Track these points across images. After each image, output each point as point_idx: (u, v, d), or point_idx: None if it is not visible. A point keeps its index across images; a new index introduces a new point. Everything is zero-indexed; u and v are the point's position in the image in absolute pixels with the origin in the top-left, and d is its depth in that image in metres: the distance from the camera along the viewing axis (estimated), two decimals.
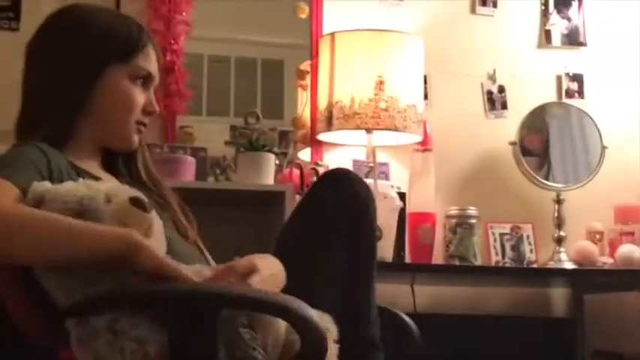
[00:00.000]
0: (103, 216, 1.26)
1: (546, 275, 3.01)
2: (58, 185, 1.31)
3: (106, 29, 1.56)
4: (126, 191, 1.31)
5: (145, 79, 1.60)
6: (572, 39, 3.34)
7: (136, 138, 1.61)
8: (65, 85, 1.52)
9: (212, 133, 3.05)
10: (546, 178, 3.10)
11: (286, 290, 1.36)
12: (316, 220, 1.59)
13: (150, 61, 1.61)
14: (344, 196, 1.59)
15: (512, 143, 3.10)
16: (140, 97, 1.59)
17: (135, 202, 1.28)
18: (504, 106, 3.25)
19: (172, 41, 2.96)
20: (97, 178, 1.48)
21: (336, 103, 2.83)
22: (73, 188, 1.29)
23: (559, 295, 3.24)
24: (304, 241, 1.58)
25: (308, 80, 3.05)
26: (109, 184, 1.37)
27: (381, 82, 2.79)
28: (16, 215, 1.22)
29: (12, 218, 1.21)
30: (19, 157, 1.38)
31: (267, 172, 2.74)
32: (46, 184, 1.31)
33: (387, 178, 2.98)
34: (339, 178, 1.63)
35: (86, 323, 1.21)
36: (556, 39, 3.33)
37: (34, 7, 2.77)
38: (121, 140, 1.60)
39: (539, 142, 3.15)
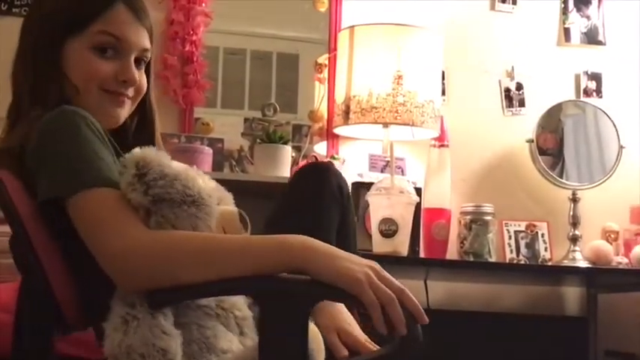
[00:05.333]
0: (213, 215, 1.26)
1: (561, 274, 3.00)
2: (161, 164, 1.26)
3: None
4: (228, 199, 1.33)
5: (114, 46, 1.43)
6: (592, 38, 3.33)
7: (118, 112, 1.45)
8: (24, 66, 1.43)
9: (226, 125, 3.05)
10: (560, 177, 3.10)
11: None
12: (314, 210, 1.59)
13: (115, 23, 1.42)
14: (333, 187, 1.62)
15: (529, 141, 3.09)
16: (104, 66, 1.41)
17: (242, 217, 1.31)
18: (522, 104, 3.24)
19: (191, 32, 2.96)
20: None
21: (354, 96, 2.83)
22: (189, 176, 1.26)
23: (573, 294, 3.23)
24: (303, 230, 1.56)
25: (326, 73, 3.05)
26: (211, 183, 1.36)
27: (400, 77, 2.78)
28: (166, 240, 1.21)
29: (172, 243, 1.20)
30: (89, 142, 1.29)
31: (283, 164, 2.75)
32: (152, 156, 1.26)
33: (402, 173, 2.97)
34: (324, 170, 1.64)
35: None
36: (575, 37, 3.32)
37: None
38: (100, 117, 1.39)
39: (553, 141, 3.14)
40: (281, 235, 1.21)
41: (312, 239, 1.20)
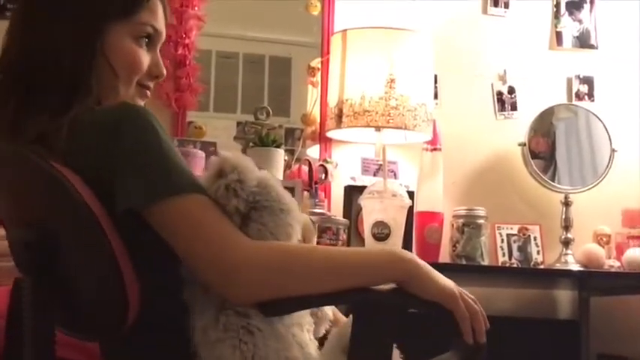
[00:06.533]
0: (300, 223, 1.27)
1: (553, 277, 3.01)
2: (254, 170, 1.25)
3: None
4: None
5: (151, 38, 1.39)
6: (583, 41, 3.34)
7: (140, 104, 1.41)
8: (59, 50, 1.31)
9: (219, 129, 3.05)
10: (552, 181, 3.11)
11: None
12: None
13: (156, 17, 1.40)
14: None
15: (522, 144, 3.10)
16: (145, 58, 1.38)
17: (313, 224, 1.31)
18: (514, 108, 3.25)
19: (184, 35, 2.96)
20: None
21: (347, 100, 2.83)
22: (274, 183, 1.25)
23: (565, 297, 3.24)
24: None
25: (318, 77, 3.06)
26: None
27: (392, 81, 2.79)
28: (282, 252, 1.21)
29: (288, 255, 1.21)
30: (170, 144, 1.23)
31: (276, 168, 2.75)
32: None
33: (395, 176, 2.98)
34: None
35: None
36: (567, 41, 3.32)
37: None
38: None
39: (545, 144, 3.15)
40: (389, 248, 1.26)
41: (413, 254, 1.27)
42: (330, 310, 1.40)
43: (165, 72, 1.43)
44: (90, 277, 1.24)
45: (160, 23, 1.41)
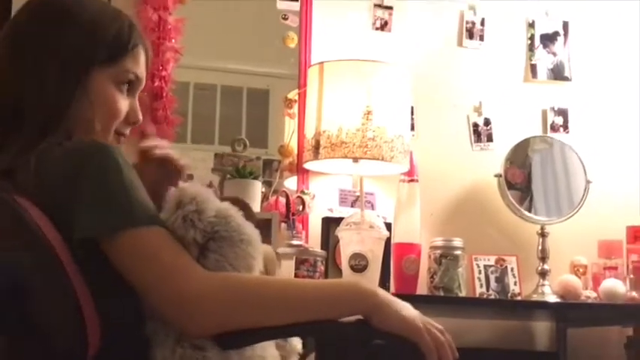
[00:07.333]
0: (261, 254, 1.27)
1: (530, 308, 3.01)
2: (214, 200, 1.26)
3: (93, 25, 1.37)
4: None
5: (132, 84, 1.43)
6: (558, 74, 3.37)
7: None
8: (42, 87, 1.33)
9: (196, 161, 3.05)
10: (528, 212, 3.12)
11: None
12: None
13: (138, 64, 1.44)
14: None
15: (498, 176, 3.12)
16: (124, 104, 1.41)
17: (278, 258, 1.32)
18: (490, 139, 3.26)
19: (161, 67, 2.96)
20: None
21: (324, 132, 2.83)
22: (235, 214, 1.25)
23: (542, 329, 3.23)
24: None
25: (296, 109, 3.07)
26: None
27: (369, 112, 2.80)
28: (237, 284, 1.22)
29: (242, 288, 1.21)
30: (133, 180, 1.24)
31: (253, 200, 2.74)
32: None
33: (372, 207, 2.98)
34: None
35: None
36: (542, 73, 3.36)
37: None
38: None
39: (521, 176, 3.17)
40: (351, 281, 1.36)
41: (377, 287, 1.28)
42: (299, 343, 1.40)
43: (141, 118, 1.46)
44: (48, 310, 1.23)
45: (142, 70, 1.45)
